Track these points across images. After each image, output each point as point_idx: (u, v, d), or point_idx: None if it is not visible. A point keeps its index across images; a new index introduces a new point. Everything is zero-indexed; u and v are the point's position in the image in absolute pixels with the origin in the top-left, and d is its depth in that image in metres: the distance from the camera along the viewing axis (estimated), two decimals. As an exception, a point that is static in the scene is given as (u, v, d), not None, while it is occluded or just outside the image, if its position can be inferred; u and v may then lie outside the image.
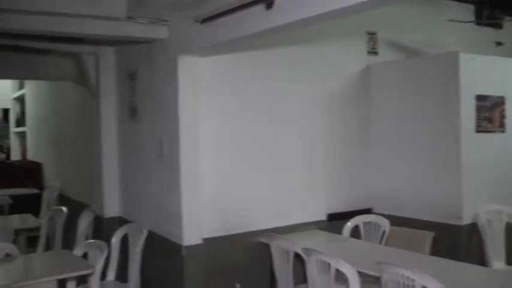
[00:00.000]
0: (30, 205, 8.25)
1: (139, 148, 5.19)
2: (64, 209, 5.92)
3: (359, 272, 3.56)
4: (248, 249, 4.78)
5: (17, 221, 6.10)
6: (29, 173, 9.26)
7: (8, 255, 4.38)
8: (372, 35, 5.67)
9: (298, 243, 4.13)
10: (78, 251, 4.41)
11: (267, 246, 4.56)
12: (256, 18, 3.37)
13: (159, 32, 4.47)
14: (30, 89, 10.28)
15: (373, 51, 5.70)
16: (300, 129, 5.13)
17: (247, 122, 4.82)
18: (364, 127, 5.65)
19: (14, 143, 12.43)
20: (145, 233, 4.71)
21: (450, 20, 6.20)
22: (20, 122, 11.61)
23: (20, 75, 7.32)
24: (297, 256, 4.14)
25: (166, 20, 4.45)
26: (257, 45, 4.72)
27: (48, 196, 7.84)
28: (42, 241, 6.18)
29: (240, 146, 4.78)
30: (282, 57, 4.99)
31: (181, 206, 4.38)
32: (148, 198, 5.04)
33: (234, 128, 4.75)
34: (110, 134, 5.67)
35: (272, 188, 4.96)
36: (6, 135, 17.98)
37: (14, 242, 5.45)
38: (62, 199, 7.59)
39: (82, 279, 4.29)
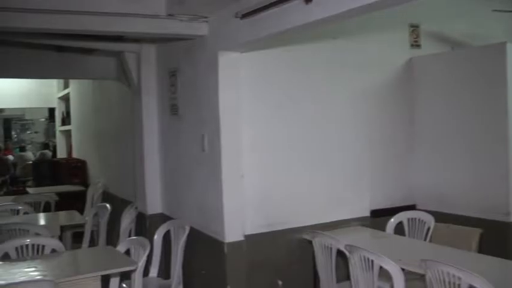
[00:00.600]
0: (75, 202, 8.43)
1: (181, 145, 5.21)
2: (108, 206, 6.01)
3: (403, 270, 3.50)
4: (290, 246, 4.74)
5: (63, 217, 6.21)
6: (74, 170, 9.44)
7: (54, 250, 4.46)
8: (414, 28, 5.55)
9: (341, 240, 4.08)
10: (121, 248, 4.45)
11: (310, 242, 4.53)
12: (296, 12, 3.33)
13: (199, 28, 4.47)
14: (75, 88, 10.48)
15: (416, 44, 5.58)
16: (341, 124, 5.07)
17: (288, 118, 4.78)
18: (407, 121, 5.53)
19: (59, 141, 12.69)
20: (187, 230, 4.73)
21: (495, 10, 6.02)
22: (65, 120, 11.85)
23: (64, 74, 7.47)
24: (340, 253, 4.09)
25: (206, 17, 4.44)
26: (297, 40, 4.68)
27: (93, 193, 7.97)
28: (87, 237, 6.29)
29: (282, 142, 4.75)
30: (322, 52, 4.93)
31: (222, 203, 4.38)
32: (190, 195, 5.06)
33: (275, 125, 4.71)
34: (151, 131, 5.71)
35: (314, 184, 4.91)
36: (52, 134, 18.45)
37: (60, 238, 5.57)
38: (106, 196, 7.71)
39: (125, 275, 4.33)
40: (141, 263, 4.09)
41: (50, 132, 19.14)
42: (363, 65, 5.13)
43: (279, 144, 4.74)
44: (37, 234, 4.86)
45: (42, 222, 5.82)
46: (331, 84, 4.99)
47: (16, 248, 4.40)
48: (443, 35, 5.74)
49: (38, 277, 3.62)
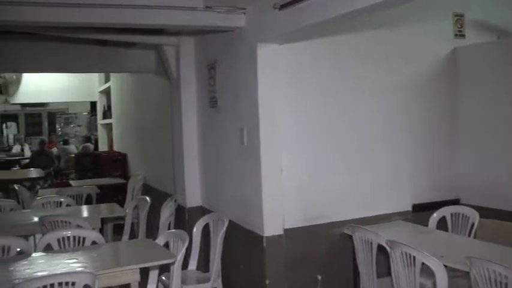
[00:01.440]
0: (116, 194, 8.52)
1: (220, 138, 5.20)
2: (148, 198, 6.04)
3: (445, 266, 3.41)
4: (330, 241, 4.68)
5: (104, 210, 6.27)
6: (114, 163, 9.55)
7: (94, 243, 4.50)
8: (459, 17, 5.39)
9: (382, 235, 4.00)
10: (160, 240, 4.47)
11: (350, 237, 4.47)
12: (337, 2, 3.25)
13: (237, 20, 4.44)
14: (115, 82, 10.60)
15: (460, 34, 5.41)
16: (382, 116, 4.96)
17: (328, 111, 4.70)
18: (450, 113, 5.38)
19: (101, 134, 12.87)
20: (226, 223, 4.71)
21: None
22: (106, 114, 12.00)
23: (106, 68, 7.56)
24: (381, 248, 4.01)
25: (243, 8, 4.40)
26: (336, 31, 4.60)
27: (133, 186, 8.04)
28: (127, 230, 6.35)
29: (321, 135, 4.68)
30: (362, 43, 4.83)
31: (262, 197, 4.34)
32: (229, 188, 5.04)
33: (313, 118, 4.65)
34: (190, 124, 5.71)
35: (354, 178, 4.83)
36: (94, 127, 18.74)
37: (101, 230, 5.63)
38: (146, 189, 7.78)
39: (164, 268, 4.34)
40: (180, 256, 4.10)
41: (92, 125, 19.48)
42: (404, 56, 5.02)
43: (318, 138, 4.67)
44: (79, 227, 4.91)
45: (84, 214, 5.89)
46: (371, 76, 4.88)
47: (58, 240, 4.47)
48: (489, 24, 5.55)
49: (79, 269, 3.66)
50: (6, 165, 14.13)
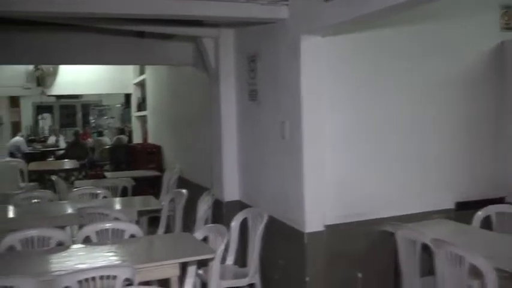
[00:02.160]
0: (150, 187, 8.53)
1: (260, 131, 5.12)
2: (184, 191, 6.01)
3: (493, 268, 3.29)
4: (370, 238, 4.59)
5: (140, 202, 6.26)
6: (149, 155, 9.55)
7: (132, 236, 4.48)
8: (506, 9, 5.21)
9: (426, 234, 3.89)
10: (199, 235, 4.42)
11: (391, 235, 4.34)
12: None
13: (280, 11, 4.35)
14: (150, 74, 10.60)
15: (507, 27, 5.23)
16: (426, 110, 4.82)
17: (369, 106, 4.60)
18: (495, 109, 5.19)
19: (135, 126, 12.92)
20: (265, 218, 4.66)
21: None
22: (141, 106, 12.03)
23: (143, 60, 7.54)
24: (423, 246, 3.90)
25: (286, 0, 4.32)
26: (382, 24, 4.48)
27: (169, 178, 8.03)
28: (163, 223, 6.33)
29: (362, 130, 4.58)
30: (406, 37, 4.70)
31: (303, 192, 4.26)
32: (269, 182, 4.96)
33: (354, 112, 4.55)
34: (229, 117, 5.64)
35: (395, 174, 4.71)
36: (127, 119, 18.89)
37: (137, 223, 5.60)
38: (181, 181, 7.76)
39: (201, 262, 4.31)
40: (220, 251, 4.05)
41: (125, 117, 19.63)
42: (448, 50, 4.86)
43: (359, 133, 4.58)
44: (116, 219, 4.90)
45: (120, 206, 5.88)
46: (413, 70, 4.75)
47: (97, 232, 4.46)
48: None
49: (118, 262, 3.64)
50: (42, 156, 14.33)
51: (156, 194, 8.24)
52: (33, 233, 4.26)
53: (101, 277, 3.25)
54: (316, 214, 4.32)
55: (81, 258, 3.79)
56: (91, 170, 12.93)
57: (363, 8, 3.42)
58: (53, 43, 6.55)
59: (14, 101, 16.14)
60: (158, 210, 6.25)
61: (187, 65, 7.14)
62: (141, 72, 11.70)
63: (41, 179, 11.43)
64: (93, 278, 3.22)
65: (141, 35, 6.67)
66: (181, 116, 8.23)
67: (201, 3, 4.15)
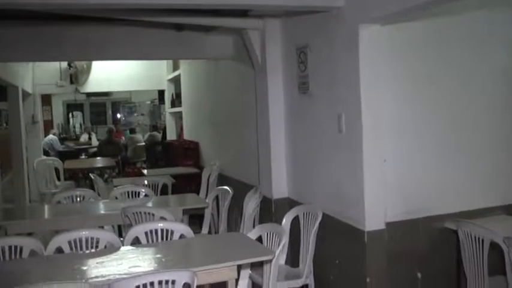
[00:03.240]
0: (188, 184, 8.37)
1: (311, 125, 4.90)
2: (229, 189, 5.82)
3: None
4: (431, 235, 4.35)
5: (185, 200, 6.09)
6: (186, 152, 9.37)
7: (182, 236, 4.30)
8: None
9: (498, 231, 3.64)
10: (253, 234, 4.22)
11: (453, 232, 4.15)
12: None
13: (335, -1, 4.12)
14: (186, 69, 10.43)
15: None
16: (488, 104, 4.56)
17: (431, 98, 4.36)
18: None
19: (169, 123, 12.80)
20: (320, 216, 4.45)
21: None
22: (175, 102, 11.89)
23: (180, 54, 7.33)
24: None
25: (343, -14, 4.10)
26: (446, 10, 4.23)
27: (208, 175, 7.85)
28: (207, 221, 6.17)
29: (422, 124, 4.34)
30: (467, 25, 4.44)
31: (363, 189, 4.04)
32: (323, 178, 4.74)
33: (414, 104, 4.31)
34: (277, 111, 5.41)
35: (456, 168, 4.47)
36: (158, 116, 18.85)
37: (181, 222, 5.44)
38: (221, 178, 7.59)
39: (253, 263, 4.11)
40: (278, 253, 3.84)
41: (155, 114, 19.61)
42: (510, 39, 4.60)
43: (419, 126, 4.34)
44: (162, 218, 4.74)
45: (164, 205, 5.71)
46: (478, 62, 4.49)
47: (146, 233, 4.29)
48: None
49: (176, 265, 3.47)
50: (75, 154, 14.31)
51: (194, 191, 8.07)
52: (82, 234, 4.10)
53: (160, 282, 3.06)
54: (377, 211, 4.10)
55: (133, 261, 3.61)
56: (124, 167, 12.90)
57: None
58: (89, 38, 6.44)
59: (46, 100, 16.15)
60: (200, 208, 6.07)
61: (227, 59, 6.95)
62: (175, 68, 11.56)
63: (75, 177, 11.42)
64: (152, 283, 3.03)
65: (179, 28, 6.49)
66: (220, 111, 8.04)
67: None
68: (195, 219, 6.94)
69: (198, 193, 7.67)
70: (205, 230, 6.07)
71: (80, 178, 12.14)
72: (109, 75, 12.31)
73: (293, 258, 4.92)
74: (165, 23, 5.82)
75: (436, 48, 4.36)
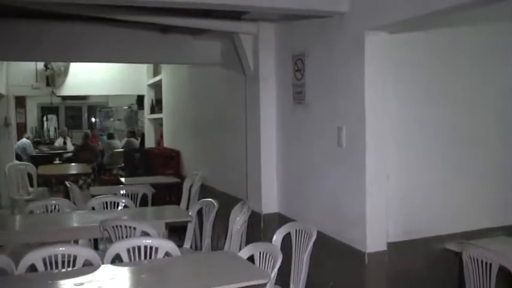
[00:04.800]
0: (169, 194, 8.03)
1: (306, 137, 4.63)
2: (215, 202, 5.50)
3: None
4: (431, 257, 4.13)
5: (167, 213, 5.75)
6: (167, 160, 9.02)
7: (167, 254, 3.98)
8: None
9: (507, 255, 3.42)
10: (244, 253, 3.92)
11: (454, 254, 3.96)
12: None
13: (339, 4, 3.86)
14: (167, 75, 10.11)
15: None
16: (494, 121, 4.36)
17: (434, 114, 4.14)
18: None
19: (148, 129, 12.47)
20: (314, 235, 4.16)
21: None
22: (155, 108, 11.56)
23: (167, 59, 7.01)
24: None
25: (348, -9, 3.84)
26: (457, 20, 4.03)
27: (189, 185, 7.52)
28: (189, 235, 5.83)
29: (428, 139, 4.13)
30: (477, 36, 4.23)
31: (365, 207, 3.79)
32: (318, 194, 4.48)
33: (421, 120, 4.10)
34: (269, 121, 5.13)
35: (458, 187, 4.25)
36: (135, 122, 18.48)
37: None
38: (204, 189, 7.26)
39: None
40: (273, 276, 3.54)
41: (132, 120, 19.25)
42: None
43: (423, 141, 4.12)
44: (144, 233, 4.41)
45: (146, 218, 5.36)
46: (486, 74, 4.29)
47: (128, 250, 3.95)
48: None
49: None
50: (49, 159, 13.85)
51: (175, 202, 7.76)
52: (58, 250, 3.75)
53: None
54: (379, 231, 3.87)
55: (116, 283, 3.29)
56: (99, 174, 12.48)
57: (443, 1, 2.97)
58: (69, 38, 6.03)
59: (20, 102, 15.67)
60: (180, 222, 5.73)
61: (215, 65, 6.65)
62: (156, 73, 11.24)
63: (48, 183, 10.99)
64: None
65: (164, 30, 6.17)
66: (205, 120, 7.70)
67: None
68: (174, 231, 6.59)
69: (178, 204, 7.35)
70: (187, 244, 5.74)
71: (53, 184, 11.73)
72: (87, 78, 11.91)
73: (282, 278, 4.61)
74: (150, 24, 5.50)
75: (447, 59, 4.17)
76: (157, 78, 10.99)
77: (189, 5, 3.84)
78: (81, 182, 10.72)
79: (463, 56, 4.22)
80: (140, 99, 12.89)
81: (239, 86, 5.85)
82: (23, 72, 11.39)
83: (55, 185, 11.83)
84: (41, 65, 11.47)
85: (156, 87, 11.39)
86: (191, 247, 5.88)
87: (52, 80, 11.52)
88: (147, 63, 10.65)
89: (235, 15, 4.90)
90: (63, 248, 3.79)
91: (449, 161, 4.22)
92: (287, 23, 4.85)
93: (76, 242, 5.17)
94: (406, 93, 4.01)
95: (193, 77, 8.22)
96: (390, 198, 3.91)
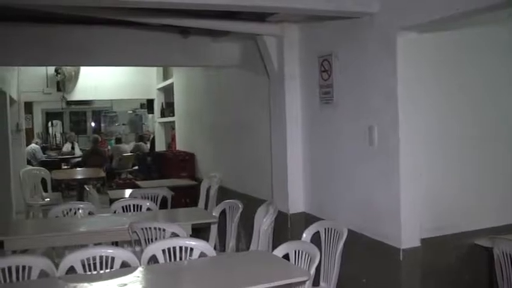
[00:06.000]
0: (185, 197, 8.05)
1: (334, 137, 4.68)
2: (240, 203, 5.53)
3: None
4: (461, 252, 4.19)
5: (192, 215, 5.77)
6: (182, 163, 9.03)
7: (202, 254, 4.01)
8: None
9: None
10: (279, 252, 3.95)
11: (484, 249, 4.02)
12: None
13: (370, 4, 3.91)
14: (180, 78, 10.13)
15: None
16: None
17: (465, 111, 4.23)
18: None
19: (158, 133, 12.46)
20: (345, 233, 4.19)
21: None
22: (165, 112, 11.58)
23: (185, 62, 7.00)
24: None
25: (377, -9, 3.89)
26: (488, 20, 4.07)
27: (206, 188, 7.56)
28: (213, 237, 5.87)
29: (460, 135, 4.21)
30: (507, 35, 4.32)
31: (399, 204, 3.83)
32: (348, 193, 4.52)
33: (452, 117, 4.17)
34: (295, 121, 5.16)
35: (488, 183, 4.33)
36: (139, 126, 18.49)
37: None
38: (222, 191, 7.29)
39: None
40: (312, 273, 3.58)
41: (137, 124, 19.27)
42: None
43: (455, 138, 4.19)
44: (174, 234, 4.45)
45: (172, 220, 5.39)
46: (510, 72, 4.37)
47: (163, 251, 3.98)
48: None
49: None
50: (57, 163, 13.87)
51: (191, 204, 7.79)
52: (96, 252, 3.78)
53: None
54: (412, 228, 3.90)
55: (158, 283, 3.33)
56: (108, 178, 12.49)
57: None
58: (86, 42, 6.06)
59: (27, 107, 15.67)
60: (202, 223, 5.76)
61: (234, 66, 6.68)
62: (166, 77, 11.26)
63: (59, 188, 11.00)
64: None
65: (185, 33, 6.21)
66: (222, 121, 7.72)
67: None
68: (194, 232, 6.62)
69: (195, 206, 7.38)
70: (211, 244, 5.75)
71: (63, 189, 11.75)
72: (96, 83, 11.92)
73: (315, 277, 4.66)
74: (170, 27, 5.54)
75: (472, 60, 4.25)
76: (168, 82, 11.00)
77: (211, 7, 3.84)
78: (90, 186, 10.73)
79: (492, 54, 4.28)
80: (149, 103, 12.87)
81: (260, 87, 5.89)
82: (33, 78, 11.37)
83: (64, 189, 11.87)
84: (51, 70, 11.48)
85: (166, 90, 11.41)
86: (215, 248, 5.90)
87: (63, 85, 11.53)
88: (165, 66, 10.62)
89: (259, 16, 4.93)
90: (102, 250, 3.83)
91: (479, 157, 4.28)
92: (312, 24, 4.89)
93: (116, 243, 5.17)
94: (437, 92, 4.08)
95: (209, 79, 8.24)
96: (422, 194, 3.95)
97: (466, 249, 4.19)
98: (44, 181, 9.74)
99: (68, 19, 5.31)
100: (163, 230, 4.61)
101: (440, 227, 4.09)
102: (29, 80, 11.24)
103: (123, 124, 20.15)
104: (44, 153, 14.89)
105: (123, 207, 5.93)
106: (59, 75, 11.37)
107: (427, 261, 3.98)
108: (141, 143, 14.08)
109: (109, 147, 14.91)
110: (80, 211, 5.76)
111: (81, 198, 8.94)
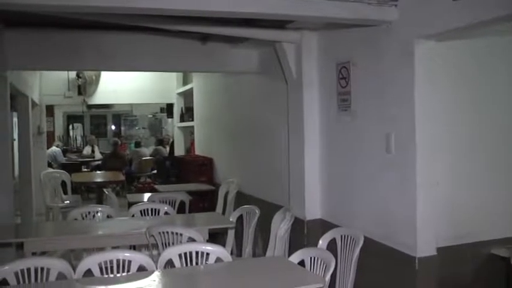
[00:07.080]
0: (203, 201, 8.09)
1: (352, 144, 4.69)
2: (257, 209, 5.55)
3: None
4: (478, 262, 4.16)
5: (208, 219, 5.81)
6: (200, 168, 9.08)
7: (219, 259, 4.03)
8: None
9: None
10: (294, 258, 3.96)
11: (501, 259, 4.01)
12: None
13: (389, 13, 3.92)
14: (199, 83, 10.20)
15: None
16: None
17: (482, 120, 4.22)
18: None
19: (177, 137, 12.53)
20: (361, 241, 4.19)
21: None
22: (184, 116, 11.65)
23: (205, 67, 7.06)
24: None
25: (396, 0, 3.88)
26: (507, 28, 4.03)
27: (225, 193, 7.59)
28: (230, 242, 5.89)
29: (476, 143, 4.20)
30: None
31: (416, 212, 3.83)
32: (364, 200, 4.53)
33: (469, 125, 4.17)
34: (312, 128, 5.19)
35: (505, 194, 4.30)
36: (159, 130, 18.58)
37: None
38: (240, 196, 7.32)
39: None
40: (328, 280, 3.59)
41: (156, 128, 19.37)
42: None
43: (471, 145, 4.19)
44: (191, 239, 4.48)
45: (189, 224, 5.42)
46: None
47: (180, 255, 4.01)
48: None
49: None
50: (77, 166, 13.99)
51: (209, 209, 7.84)
52: (114, 255, 3.83)
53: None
54: (429, 236, 3.89)
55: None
56: (128, 182, 12.58)
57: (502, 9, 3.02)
58: (107, 47, 6.19)
59: (48, 111, 15.87)
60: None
61: (252, 73, 6.72)
62: (186, 82, 11.33)
63: (78, 191, 11.09)
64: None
65: (204, 39, 6.27)
66: (241, 127, 7.76)
67: (301, 3, 3.72)
68: (210, 238, 6.65)
69: (213, 211, 7.42)
70: (228, 250, 5.77)
71: (83, 191, 11.86)
72: (116, 87, 12.04)
73: (330, 285, 4.66)
74: (190, 34, 5.59)
75: (490, 67, 4.23)
76: (188, 87, 11.07)
77: (233, 15, 3.92)
78: (109, 189, 10.82)
79: (509, 64, 4.27)
80: (169, 107, 12.96)
81: (278, 94, 5.91)
82: (55, 82, 11.53)
83: (84, 192, 11.98)
84: (73, 74, 11.63)
85: (186, 95, 11.49)
86: (231, 253, 5.93)
87: (84, 88, 11.67)
88: (185, 71, 10.72)
89: (278, 24, 4.97)
90: (120, 253, 3.87)
91: (497, 166, 4.26)
92: (330, 31, 4.91)
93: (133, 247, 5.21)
94: (454, 100, 4.08)
95: (229, 85, 8.29)
96: (439, 202, 3.94)
97: (483, 259, 4.16)
98: (64, 184, 9.83)
99: (91, 25, 5.39)
100: (181, 234, 4.64)
101: (457, 235, 4.07)
102: (51, 83, 11.39)
103: (143, 128, 20.27)
104: (65, 156, 15.04)
105: (141, 211, 5.98)
106: (80, 79, 11.52)
107: (443, 270, 3.95)
108: (160, 147, 14.16)
109: (128, 151, 15.00)
110: (99, 214, 5.81)
111: (100, 201, 9.03)
